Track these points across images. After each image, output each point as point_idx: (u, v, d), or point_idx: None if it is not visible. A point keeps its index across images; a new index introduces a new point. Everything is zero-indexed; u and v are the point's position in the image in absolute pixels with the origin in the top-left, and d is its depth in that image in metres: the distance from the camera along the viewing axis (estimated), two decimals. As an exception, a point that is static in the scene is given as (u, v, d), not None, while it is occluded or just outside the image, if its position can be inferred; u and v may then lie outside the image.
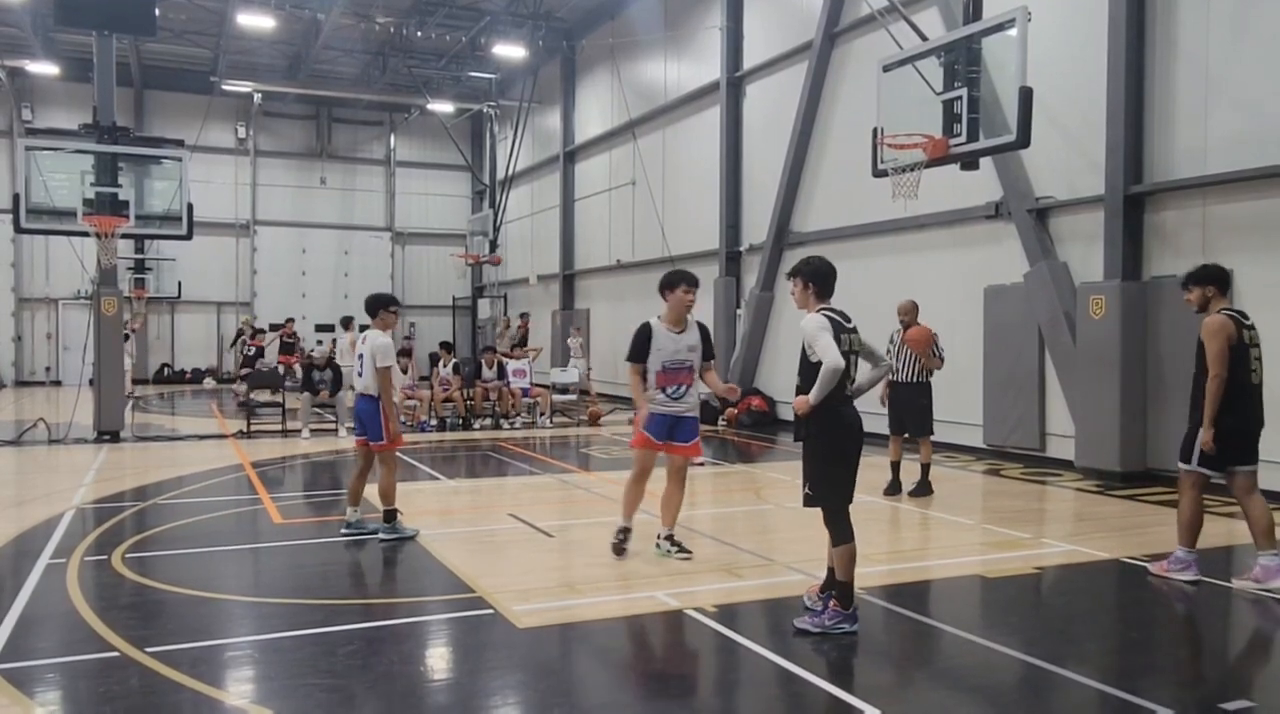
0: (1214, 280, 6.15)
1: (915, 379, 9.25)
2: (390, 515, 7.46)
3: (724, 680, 4.75)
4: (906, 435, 9.43)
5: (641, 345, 6.61)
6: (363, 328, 8.38)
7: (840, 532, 5.16)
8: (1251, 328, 6.07)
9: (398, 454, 8.06)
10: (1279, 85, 9.22)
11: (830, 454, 5.16)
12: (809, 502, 5.22)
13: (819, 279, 5.31)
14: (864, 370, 5.58)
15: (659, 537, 6.84)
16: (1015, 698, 4.44)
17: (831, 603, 5.15)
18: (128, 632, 5.09)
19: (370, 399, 7.52)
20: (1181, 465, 6.24)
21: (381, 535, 7.42)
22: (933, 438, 9.45)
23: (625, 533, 6.81)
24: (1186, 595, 6.02)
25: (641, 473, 6.75)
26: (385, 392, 7.43)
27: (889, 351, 9.28)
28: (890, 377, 9.04)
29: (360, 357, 7.63)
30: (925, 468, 9.38)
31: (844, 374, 5.09)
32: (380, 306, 7.73)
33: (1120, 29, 10.34)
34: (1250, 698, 4.28)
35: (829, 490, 5.17)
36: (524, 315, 23.30)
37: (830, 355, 4.95)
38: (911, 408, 9.30)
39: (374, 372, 7.43)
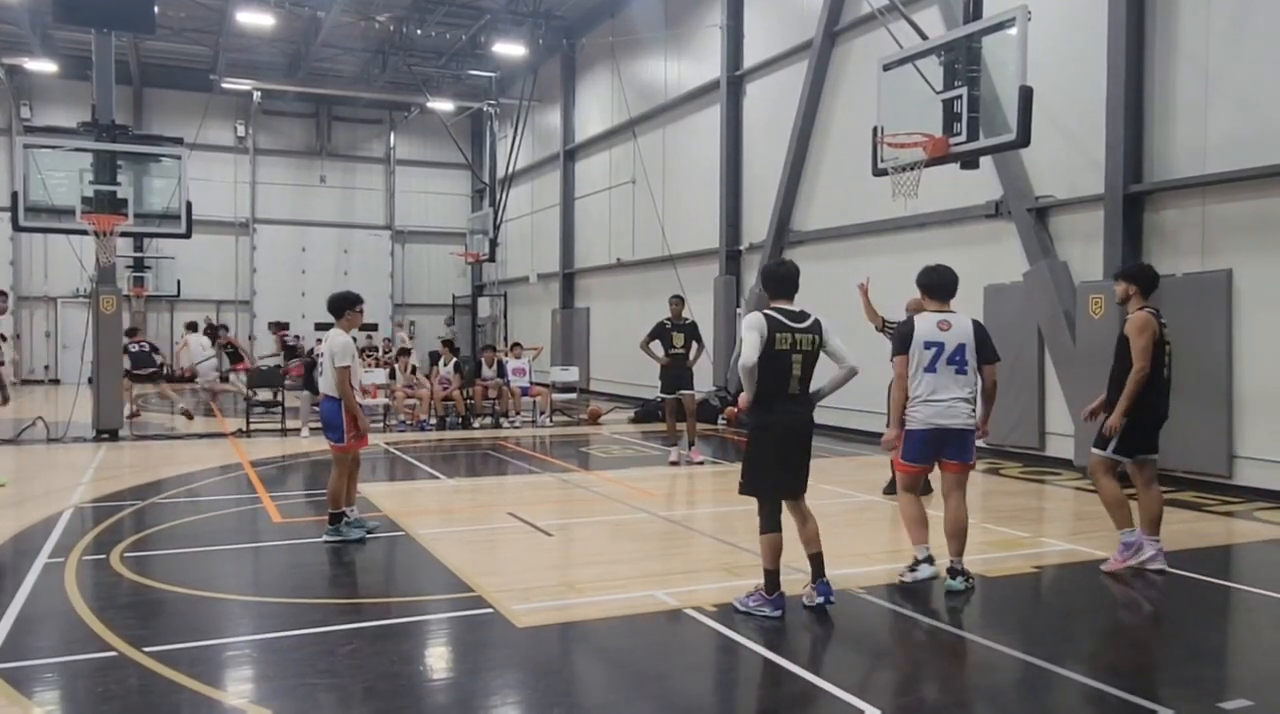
0: (1137, 279, 6.53)
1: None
2: (335, 518, 7.32)
3: (723, 680, 4.74)
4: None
5: None
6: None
7: (765, 521, 5.44)
8: (1166, 326, 6.42)
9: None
10: (1279, 84, 9.22)
11: (762, 448, 5.44)
12: (740, 490, 5.56)
13: (768, 281, 5.62)
14: (830, 372, 5.48)
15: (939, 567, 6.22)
16: (1015, 697, 4.44)
17: (759, 588, 5.40)
18: (126, 631, 5.08)
19: (332, 400, 7.36)
20: (1095, 451, 6.53)
21: (325, 537, 7.28)
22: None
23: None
24: (1186, 595, 6.02)
25: None
26: (345, 392, 7.25)
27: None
28: None
29: (321, 356, 7.51)
30: (925, 467, 9.34)
31: (786, 373, 5.29)
32: (346, 306, 7.54)
33: (1120, 28, 10.33)
34: (1250, 697, 4.27)
35: (756, 483, 5.48)
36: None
37: (744, 353, 5.22)
38: None
39: (333, 372, 7.30)
